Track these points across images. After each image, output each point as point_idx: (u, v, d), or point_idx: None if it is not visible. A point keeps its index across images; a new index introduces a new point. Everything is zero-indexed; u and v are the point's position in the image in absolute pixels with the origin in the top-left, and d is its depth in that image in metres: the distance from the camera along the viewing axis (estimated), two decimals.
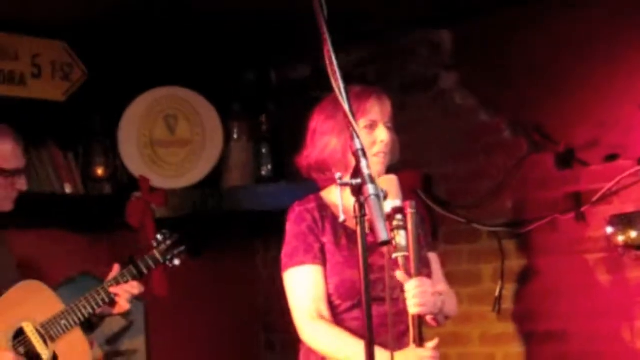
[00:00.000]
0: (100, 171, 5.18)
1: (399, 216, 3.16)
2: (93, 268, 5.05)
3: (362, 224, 2.42)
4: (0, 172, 3.80)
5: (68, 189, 5.05)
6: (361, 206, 2.42)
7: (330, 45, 2.53)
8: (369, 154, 3.29)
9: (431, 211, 5.06)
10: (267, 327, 5.86)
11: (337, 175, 2.58)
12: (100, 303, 3.89)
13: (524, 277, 4.85)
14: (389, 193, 3.25)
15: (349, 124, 3.25)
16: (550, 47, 4.78)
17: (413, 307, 3.15)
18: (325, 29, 2.55)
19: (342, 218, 2.53)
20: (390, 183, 3.30)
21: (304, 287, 3.33)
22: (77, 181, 5.10)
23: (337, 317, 3.30)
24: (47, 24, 4.90)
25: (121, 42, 5.10)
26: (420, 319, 3.19)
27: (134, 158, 5.20)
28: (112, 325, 5.27)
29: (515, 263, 4.88)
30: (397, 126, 5.18)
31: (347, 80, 4.87)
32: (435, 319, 3.35)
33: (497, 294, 4.89)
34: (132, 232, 5.02)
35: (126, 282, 3.94)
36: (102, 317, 4.03)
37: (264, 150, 5.40)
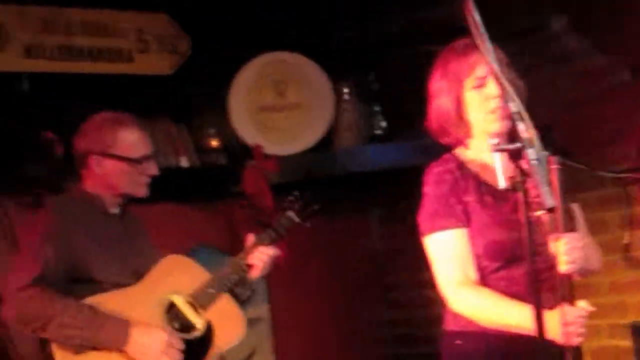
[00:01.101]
0: (213, 142, 5.21)
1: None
2: (211, 239, 5.07)
3: (523, 190, 2.35)
4: (129, 160, 3.80)
5: (183, 162, 5.08)
6: (522, 172, 2.35)
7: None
8: (482, 112, 3.23)
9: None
10: (387, 286, 5.82)
11: (494, 140, 2.50)
12: (245, 269, 3.96)
13: None
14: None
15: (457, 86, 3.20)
16: None
17: (563, 264, 3.05)
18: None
19: (502, 184, 2.45)
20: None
21: (449, 253, 3.21)
22: (192, 153, 5.13)
23: (483, 279, 3.22)
24: None
25: (224, 10, 5.05)
26: (569, 277, 3.11)
27: (246, 126, 5.21)
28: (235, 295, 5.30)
29: None
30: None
31: (451, 32, 4.78)
32: (581, 274, 3.26)
33: (625, 241, 4.78)
34: (248, 200, 5.00)
35: (266, 245, 4.01)
36: (237, 283, 4.03)
37: (375, 109, 5.32)
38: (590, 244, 3.39)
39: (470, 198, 3.22)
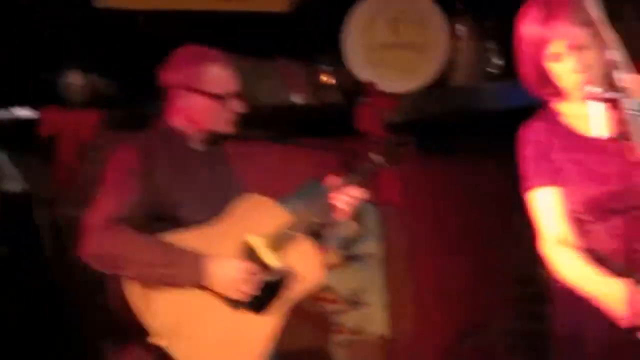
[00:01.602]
0: (328, 79, 5.23)
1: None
2: (325, 176, 5.13)
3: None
4: (213, 96, 3.81)
5: (298, 99, 5.14)
6: (623, 121, 2.30)
7: None
8: (566, 83, 3.14)
9: None
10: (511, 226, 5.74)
11: (589, 87, 2.45)
12: (325, 209, 3.89)
13: None
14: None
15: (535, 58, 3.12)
16: None
17: None
18: None
19: (598, 133, 2.41)
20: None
21: (543, 212, 3.21)
22: (307, 91, 5.17)
23: (582, 232, 3.19)
24: None
25: None
26: None
27: (360, 63, 5.19)
28: (345, 230, 5.36)
29: None
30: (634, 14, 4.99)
31: None
32: None
33: None
34: (363, 138, 5.03)
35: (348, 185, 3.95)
36: (325, 225, 3.98)
37: (490, 47, 5.27)
38: None
39: (559, 156, 3.18)
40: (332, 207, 3.90)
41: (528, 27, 3.14)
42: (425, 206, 5.52)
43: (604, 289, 2.99)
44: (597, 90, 2.46)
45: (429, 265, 5.56)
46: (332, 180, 3.95)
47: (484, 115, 5.17)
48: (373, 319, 5.48)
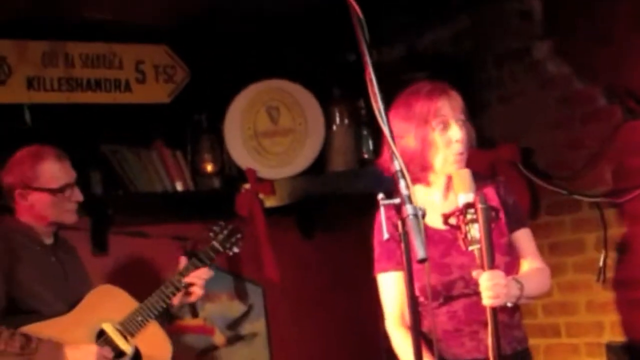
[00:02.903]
0: (209, 167, 5.41)
1: (471, 210, 3.29)
2: None
3: (405, 241, 2.59)
4: (50, 191, 4.03)
5: (179, 187, 5.30)
6: (403, 224, 2.58)
7: (370, 68, 2.67)
8: (445, 154, 3.44)
9: (531, 183, 5.12)
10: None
11: (380, 196, 2.72)
12: (171, 296, 4.18)
13: (627, 246, 4.86)
14: (462, 187, 3.39)
15: (424, 126, 3.42)
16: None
17: (487, 299, 3.26)
18: (365, 51, 2.69)
19: (385, 236, 2.68)
20: (462, 177, 3.43)
21: (388, 294, 3.55)
22: (187, 178, 5.34)
23: (427, 314, 3.44)
24: (148, 29, 5.17)
25: (220, 39, 5.31)
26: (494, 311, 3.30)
27: (240, 151, 5.38)
28: (232, 311, 5.54)
29: (617, 231, 4.88)
30: (495, 99, 5.30)
31: (439, 58, 4.98)
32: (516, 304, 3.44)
33: (601, 263, 4.91)
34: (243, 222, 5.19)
35: (196, 268, 4.25)
36: (182, 306, 4.34)
37: (364, 133, 5.50)
38: (532, 270, 3.58)
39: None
40: (178, 289, 4.22)
41: (420, 101, 3.48)
42: (304, 283, 5.71)
43: None
44: (380, 195, 2.72)
45: (312, 342, 5.72)
46: (180, 265, 4.27)
47: (360, 197, 5.39)
48: None
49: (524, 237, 3.65)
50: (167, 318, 4.29)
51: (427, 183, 3.58)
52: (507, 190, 3.67)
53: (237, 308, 5.57)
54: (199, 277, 4.23)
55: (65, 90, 5.03)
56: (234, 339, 5.54)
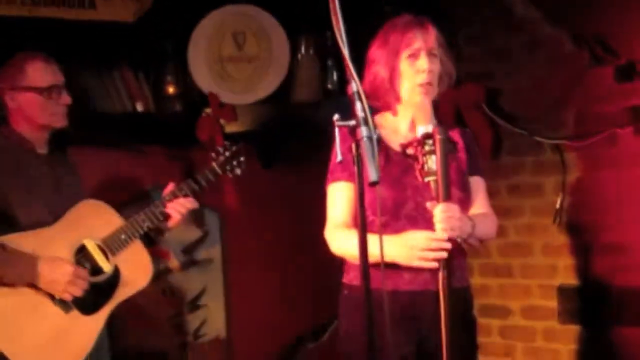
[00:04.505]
0: (171, 89, 5.33)
1: (429, 141, 3.31)
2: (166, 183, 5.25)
3: (358, 162, 2.59)
4: (37, 90, 3.98)
5: (140, 108, 5.24)
6: (357, 146, 2.58)
7: None
8: (412, 83, 3.45)
9: (495, 124, 5.12)
10: None
11: (335, 117, 2.71)
12: (160, 217, 4.11)
13: (585, 190, 4.89)
14: (421, 119, 3.42)
15: (395, 55, 3.44)
16: None
17: (440, 230, 3.28)
18: None
19: (339, 158, 2.68)
20: (423, 108, 3.45)
21: (337, 201, 3.64)
22: (149, 100, 5.28)
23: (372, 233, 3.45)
24: None
25: None
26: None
27: (203, 75, 5.31)
28: (187, 236, 5.52)
29: (576, 175, 4.92)
30: (464, 39, 5.27)
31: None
32: (466, 242, 3.45)
33: (557, 206, 4.94)
34: (204, 147, 5.16)
35: (184, 196, 4.15)
36: (159, 231, 4.25)
37: (329, 64, 5.46)
38: (483, 215, 3.60)
39: None
40: (165, 215, 4.13)
41: (393, 31, 3.57)
42: (264, 213, 5.67)
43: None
44: (336, 117, 2.72)
45: (268, 271, 5.72)
46: (168, 189, 4.19)
47: (322, 129, 5.36)
48: (212, 321, 5.61)
49: (478, 184, 3.70)
50: (148, 241, 4.20)
51: (395, 112, 3.64)
52: (472, 139, 3.74)
53: (193, 233, 5.54)
54: (182, 206, 4.14)
55: (27, 3, 4.90)
56: (189, 263, 5.52)
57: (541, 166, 5.05)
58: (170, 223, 4.19)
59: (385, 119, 3.66)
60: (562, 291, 4.91)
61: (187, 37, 5.30)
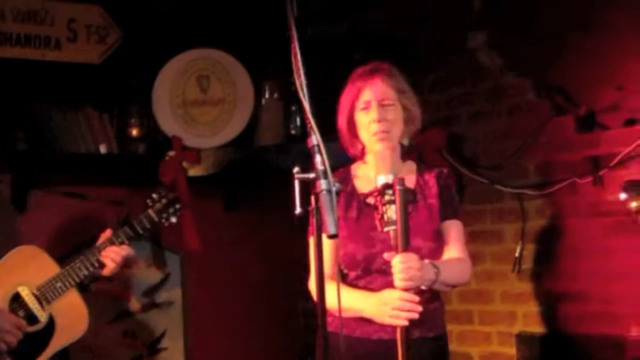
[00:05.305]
0: (134, 131, 5.36)
1: (389, 191, 3.33)
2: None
3: (317, 215, 2.62)
4: None
5: (103, 149, 5.23)
6: (316, 199, 2.61)
7: (296, 42, 2.68)
8: (368, 133, 3.50)
9: (456, 171, 5.15)
10: (303, 280, 5.97)
11: (295, 169, 2.74)
12: (96, 264, 4.04)
13: (544, 238, 4.92)
14: (381, 168, 3.47)
15: (350, 107, 3.50)
16: (576, 10, 4.76)
17: (398, 281, 3.31)
18: (293, 25, 2.70)
19: (298, 210, 2.70)
20: (382, 158, 3.51)
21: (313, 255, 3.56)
22: (112, 141, 5.28)
23: (348, 285, 3.54)
24: None
25: (156, 4, 5.26)
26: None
27: (167, 118, 5.36)
28: (149, 278, 5.51)
29: (536, 224, 4.95)
30: (429, 85, 5.32)
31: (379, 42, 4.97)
32: (431, 289, 3.46)
33: (517, 254, 4.98)
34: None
35: (120, 243, 4.09)
36: (94, 278, 4.18)
37: (293, 109, 5.49)
38: (452, 260, 3.61)
39: (340, 213, 3.50)
40: (100, 262, 4.07)
41: (350, 82, 3.66)
42: (224, 255, 5.70)
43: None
44: (296, 169, 2.76)
45: (229, 314, 5.73)
46: (104, 236, 4.14)
47: (285, 173, 5.37)
48: None
49: (452, 227, 3.69)
50: (81, 288, 4.11)
51: (364, 161, 3.70)
52: (447, 181, 3.74)
53: (154, 275, 5.54)
54: (116, 253, 4.06)
55: None
56: (150, 306, 5.51)
57: (501, 213, 5.09)
58: (105, 271, 4.11)
59: (359, 168, 3.72)
60: (521, 339, 4.93)
61: (152, 79, 5.34)
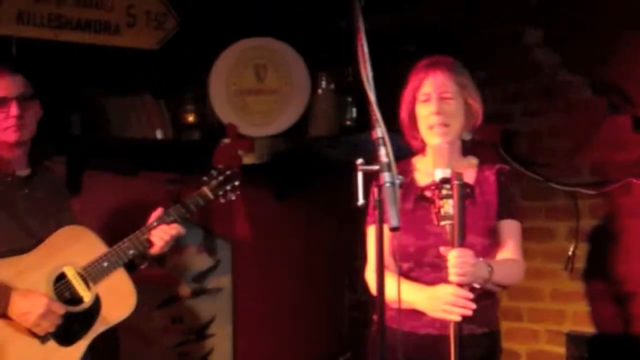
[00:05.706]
0: (190, 118, 5.39)
1: (447, 185, 3.32)
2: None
3: (379, 207, 2.62)
4: None
5: (159, 135, 5.28)
6: (379, 191, 2.61)
7: (363, 33, 2.68)
8: (425, 126, 3.50)
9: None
10: (351, 270, 5.99)
11: (359, 161, 2.75)
12: (145, 243, 4.01)
13: (597, 238, 4.90)
14: (438, 162, 3.47)
15: (411, 99, 3.50)
16: (635, 6, 4.70)
17: (453, 275, 3.31)
18: (359, 15, 2.71)
19: (360, 202, 2.70)
20: (440, 152, 3.50)
21: (370, 245, 3.63)
22: (168, 127, 5.32)
23: (402, 276, 3.51)
24: None
25: None
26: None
27: (223, 106, 5.37)
28: (199, 264, 5.54)
29: (589, 223, 4.92)
30: (482, 80, 5.29)
31: (432, 35, 4.96)
32: (482, 287, 3.45)
33: (570, 252, 4.95)
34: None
35: (171, 222, 4.04)
36: (143, 258, 4.10)
37: (349, 100, 5.49)
38: (506, 261, 3.60)
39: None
40: (149, 242, 4.03)
41: (413, 74, 3.66)
42: (273, 244, 5.72)
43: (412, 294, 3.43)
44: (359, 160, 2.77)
45: (277, 302, 5.76)
46: (154, 214, 4.11)
47: (337, 164, 5.39)
48: (219, 350, 5.61)
49: (508, 227, 3.68)
50: (131, 267, 4.06)
51: (424, 154, 3.72)
52: (509, 180, 3.73)
53: (204, 261, 5.56)
54: (165, 232, 4.02)
55: (54, 27, 4.96)
56: (199, 291, 5.54)
57: (554, 211, 5.06)
58: (153, 250, 4.05)
59: (420, 161, 3.74)
60: (571, 338, 4.90)
61: (209, 67, 5.36)
